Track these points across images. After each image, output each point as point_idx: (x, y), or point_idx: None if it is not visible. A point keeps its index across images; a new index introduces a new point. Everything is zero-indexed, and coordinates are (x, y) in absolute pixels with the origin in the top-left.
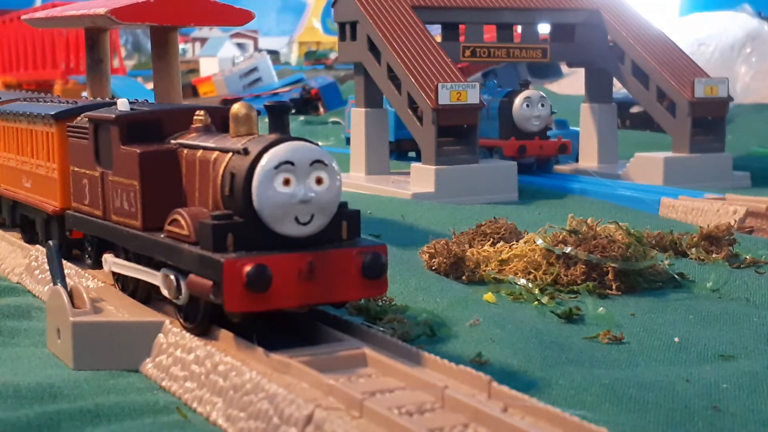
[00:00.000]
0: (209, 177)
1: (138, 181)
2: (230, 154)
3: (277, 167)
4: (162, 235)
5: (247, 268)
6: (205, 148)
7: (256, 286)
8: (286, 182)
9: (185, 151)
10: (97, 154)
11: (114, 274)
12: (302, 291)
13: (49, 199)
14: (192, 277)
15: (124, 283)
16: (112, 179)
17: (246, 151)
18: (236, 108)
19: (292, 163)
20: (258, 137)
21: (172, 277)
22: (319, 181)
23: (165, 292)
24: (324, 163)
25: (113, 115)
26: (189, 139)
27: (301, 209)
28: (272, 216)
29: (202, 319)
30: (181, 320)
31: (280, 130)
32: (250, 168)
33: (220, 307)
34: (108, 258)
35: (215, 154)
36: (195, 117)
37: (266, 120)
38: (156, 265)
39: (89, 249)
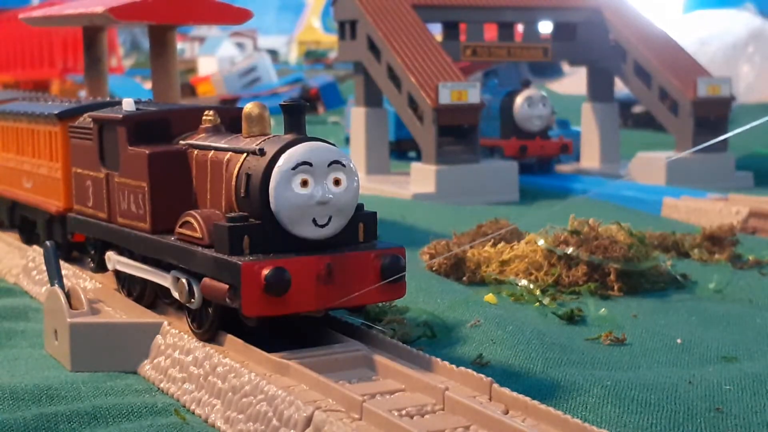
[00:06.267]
0: (222, 178)
1: (147, 182)
2: (245, 154)
3: (294, 168)
4: (172, 238)
5: (266, 272)
6: (216, 149)
7: (275, 290)
8: (304, 183)
9: (195, 151)
10: (101, 155)
11: (118, 279)
12: (320, 294)
13: (51, 200)
14: (207, 280)
15: (129, 288)
16: (119, 181)
17: (262, 152)
18: (249, 107)
19: (310, 164)
20: (273, 137)
21: (184, 280)
22: (337, 182)
23: (177, 296)
24: (342, 164)
25: (120, 115)
26: (199, 140)
27: (319, 211)
28: (290, 218)
29: (210, 325)
30: (190, 324)
31: (296, 129)
32: (267, 169)
33: (230, 312)
34: (112, 256)
35: (228, 154)
36: (204, 117)
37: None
38: (164, 267)
39: (92, 253)
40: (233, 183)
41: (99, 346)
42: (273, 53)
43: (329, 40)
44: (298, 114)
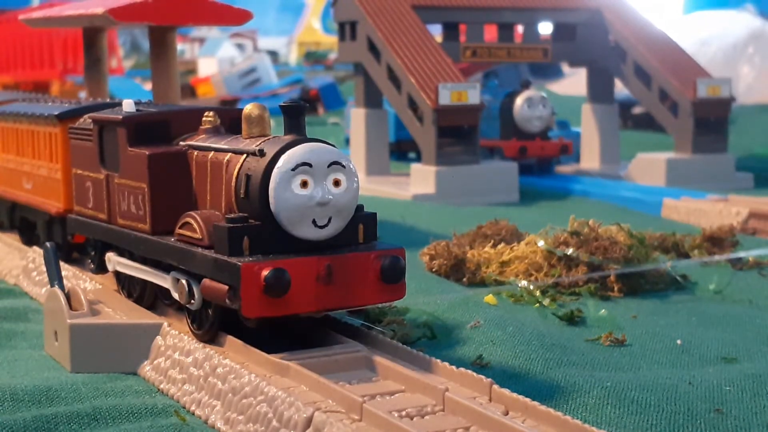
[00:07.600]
0: (222, 179)
1: (147, 183)
2: (244, 155)
3: (294, 169)
4: (172, 239)
5: (266, 272)
6: (216, 150)
7: (275, 291)
8: (304, 184)
9: (195, 152)
10: (101, 156)
11: (118, 280)
12: (320, 296)
13: (51, 201)
14: (206, 281)
15: (129, 290)
16: (119, 182)
17: (262, 153)
18: (249, 108)
19: (309, 165)
20: (273, 138)
21: (184, 281)
22: (336, 183)
23: (176, 296)
24: (342, 164)
25: (120, 116)
26: (199, 141)
27: (319, 212)
28: (289, 219)
29: (210, 326)
30: (190, 325)
31: (296, 131)
32: (266, 170)
33: (230, 313)
34: (112, 257)
35: (228, 155)
36: (204, 118)
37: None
38: (163, 267)
39: (92, 254)
40: (233, 184)
41: (99, 347)
42: (273, 54)
43: (329, 41)
44: (297, 115)
